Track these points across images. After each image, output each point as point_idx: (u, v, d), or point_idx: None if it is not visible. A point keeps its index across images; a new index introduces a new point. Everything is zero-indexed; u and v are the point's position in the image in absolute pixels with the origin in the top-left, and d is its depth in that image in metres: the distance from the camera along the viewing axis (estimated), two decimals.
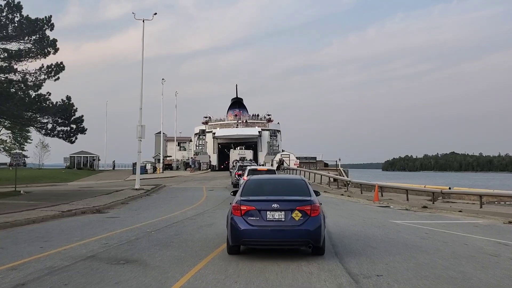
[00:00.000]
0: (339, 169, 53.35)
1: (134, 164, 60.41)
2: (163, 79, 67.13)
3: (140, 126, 30.02)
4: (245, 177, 22.26)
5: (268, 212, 8.16)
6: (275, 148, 74.68)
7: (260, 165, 31.55)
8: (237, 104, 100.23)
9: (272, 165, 59.97)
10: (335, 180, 35.51)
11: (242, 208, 8.27)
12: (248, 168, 26.31)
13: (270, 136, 77.17)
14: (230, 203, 8.95)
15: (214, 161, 77.12)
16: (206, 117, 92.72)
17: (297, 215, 8.12)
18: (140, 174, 58.11)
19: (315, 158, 68.13)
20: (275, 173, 24.62)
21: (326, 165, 68.01)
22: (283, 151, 69.94)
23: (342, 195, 26.88)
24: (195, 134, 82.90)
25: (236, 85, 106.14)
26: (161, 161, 58.59)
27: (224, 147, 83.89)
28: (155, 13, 31.20)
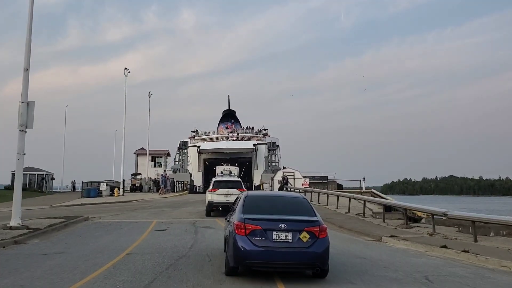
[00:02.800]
0: (373, 192, 38.57)
1: (88, 184, 45.82)
2: (149, 92, 55.17)
3: (24, 105, 15.31)
4: (210, 188, 20.98)
5: (274, 232, 7.65)
6: (274, 164, 59.77)
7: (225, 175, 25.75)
8: (229, 116, 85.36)
9: (272, 185, 45.22)
10: (393, 209, 20.84)
11: (247, 227, 7.71)
12: (213, 179, 22.54)
13: (268, 150, 62.32)
14: (227, 219, 9.10)
15: (198, 181, 62.01)
16: (193, 131, 78.19)
17: (305, 237, 7.67)
18: (92, 197, 43.45)
19: (326, 177, 53.57)
20: (240, 184, 21.73)
21: (339, 186, 53.67)
22: (284, 168, 55.28)
23: (445, 247, 12.10)
24: (177, 148, 68.22)
25: (229, 96, 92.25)
26: (121, 179, 43.33)
27: (212, 165, 69.02)
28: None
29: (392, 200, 26.83)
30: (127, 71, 45.60)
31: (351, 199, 23.06)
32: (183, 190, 46.21)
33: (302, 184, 42.69)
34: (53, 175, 59.04)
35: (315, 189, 33.54)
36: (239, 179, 23.75)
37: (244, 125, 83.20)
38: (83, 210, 24.82)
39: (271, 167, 57.73)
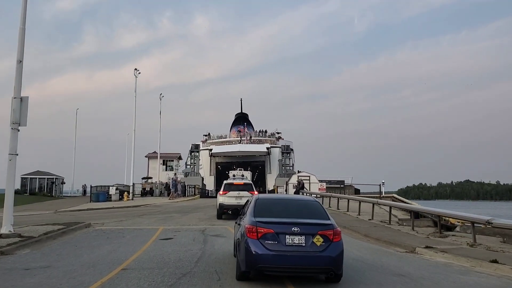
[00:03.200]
0: (394, 196, 36.57)
1: (97, 188, 44.62)
2: (161, 94, 53.86)
3: (17, 100, 13.89)
4: (221, 191, 20.89)
5: (287, 236, 7.43)
6: (288, 168, 57.90)
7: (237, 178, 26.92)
8: (241, 120, 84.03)
9: (286, 190, 43.48)
10: (421, 216, 18.98)
11: (258, 230, 7.48)
12: (224, 182, 22.30)
13: (282, 153, 60.46)
14: (237, 223, 9.00)
15: (210, 185, 60.54)
16: (205, 135, 76.82)
17: (318, 240, 7.47)
18: (101, 201, 42.20)
19: (342, 182, 51.72)
20: (252, 186, 21.65)
21: (357, 191, 51.73)
22: (299, 171, 53.45)
23: (495, 262, 10.29)
24: (189, 151, 66.86)
25: (241, 99, 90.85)
26: (131, 183, 41.93)
27: (224, 168, 67.65)
28: None
29: (416, 205, 24.85)
30: (137, 72, 44.39)
31: (374, 205, 21.22)
32: (195, 194, 44.69)
33: (319, 188, 40.85)
34: (63, 179, 58.01)
35: (334, 193, 31.72)
36: (250, 182, 23.84)
37: (256, 128, 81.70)
38: (88, 216, 23.43)
39: (285, 171, 55.99)
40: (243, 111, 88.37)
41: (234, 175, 41.28)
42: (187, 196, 42.75)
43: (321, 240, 7.47)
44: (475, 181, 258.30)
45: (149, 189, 49.59)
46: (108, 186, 41.32)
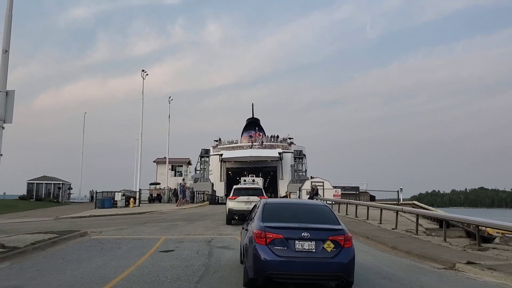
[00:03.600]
0: (414, 203, 34.49)
1: (103, 194, 43.22)
2: (169, 97, 52.12)
3: (3, 94, 12.36)
4: (231, 196, 20.80)
5: (297, 242, 7.12)
6: (301, 173, 55.99)
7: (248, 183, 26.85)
8: (253, 125, 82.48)
9: (300, 197, 41.64)
10: (450, 225, 17.06)
11: (267, 235, 7.17)
12: (234, 187, 21.91)
13: (295, 158, 58.57)
14: (244, 228, 8.63)
15: (220, 191, 58.84)
16: (216, 140, 75.33)
17: (329, 246, 7.15)
18: (106, 207, 40.72)
19: (357, 188, 49.64)
20: (261, 191, 21.58)
21: (372, 198, 49.65)
22: (312, 177, 51.52)
23: None
24: (199, 156, 65.33)
25: (252, 104, 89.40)
26: (137, 188, 40.31)
27: (235, 174, 66.05)
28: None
29: (444, 212, 22.88)
30: (145, 73, 43.04)
31: (397, 212, 19.33)
32: (204, 200, 42.99)
33: (334, 195, 38.93)
34: (70, 184, 56.79)
35: (352, 200, 29.84)
36: (260, 187, 23.61)
37: (268, 134, 79.95)
38: (88, 223, 21.91)
39: (298, 177, 54.06)
40: (254, 116, 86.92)
41: (245, 181, 39.68)
42: (196, 202, 41.08)
43: (332, 246, 7.16)
44: (490, 188, 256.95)
45: (156, 195, 48.18)
46: (114, 192, 39.81)
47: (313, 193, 34.16)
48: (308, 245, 7.10)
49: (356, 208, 25.39)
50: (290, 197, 45.38)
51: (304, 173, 56.65)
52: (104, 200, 38.58)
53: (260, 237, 7.18)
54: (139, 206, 38.13)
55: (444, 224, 15.93)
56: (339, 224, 7.67)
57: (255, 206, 9.20)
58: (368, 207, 23.97)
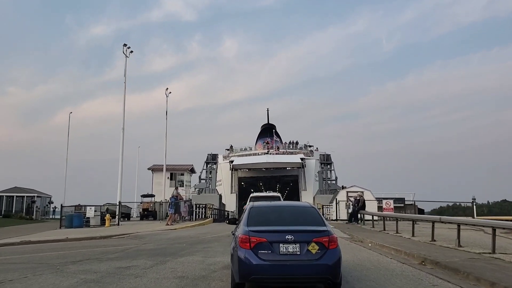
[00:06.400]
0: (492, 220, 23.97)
1: (75, 208, 33.56)
2: (167, 88, 43.30)
3: None
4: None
5: (281, 245, 6.99)
6: (331, 182, 45.53)
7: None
8: (268, 131, 72.19)
9: (337, 211, 31.48)
10: None
11: (251, 240, 7.04)
12: (250, 195, 21.35)
13: (321, 164, 48.20)
14: (233, 233, 8.35)
15: (231, 205, 48.72)
16: (227, 149, 65.45)
17: (313, 248, 7.03)
18: (74, 227, 30.59)
19: (402, 199, 39.45)
20: (279, 199, 21.18)
21: (421, 211, 39.53)
22: (343, 187, 41.25)
23: None
24: (204, 163, 55.51)
25: (268, 110, 79.99)
26: (118, 202, 30.09)
27: (249, 185, 55.96)
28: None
29: None
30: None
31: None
32: (205, 217, 32.79)
33: (384, 208, 28.72)
34: (50, 198, 47.29)
35: (419, 215, 19.61)
36: (279, 194, 22.79)
37: (285, 141, 70.16)
38: None
39: (328, 186, 43.61)
40: (270, 122, 77.33)
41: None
42: (195, 219, 30.93)
43: (317, 247, 6.96)
44: None
45: (150, 211, 38.39)
46: (85, 206, 30.00)
47: (359, 206, 24.01)
48: (292, 248, 6.91)
49: (413, 226, 15.16)
50: (323, 213, 35.25)
51: (334, 182, 46.21)
52: (73, 217, 28.91)
53: (245, 242, 6.99)
54: (118, 225, 28.29)
55: None
56: (324, 226, 7.41)
57: (243, 210, 9.12)
58: (433, 223, 14.07)
